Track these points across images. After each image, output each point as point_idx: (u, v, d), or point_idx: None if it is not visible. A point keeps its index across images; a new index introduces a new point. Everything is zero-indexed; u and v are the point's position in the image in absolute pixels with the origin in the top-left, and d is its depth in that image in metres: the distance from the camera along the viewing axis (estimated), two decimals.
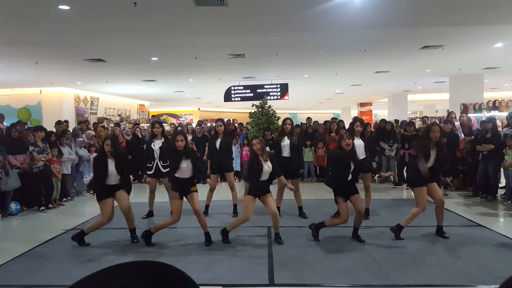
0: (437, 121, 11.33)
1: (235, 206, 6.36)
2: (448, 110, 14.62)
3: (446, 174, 7.75)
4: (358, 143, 5.67)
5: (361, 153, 5.75)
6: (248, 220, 4.84)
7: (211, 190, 6.36)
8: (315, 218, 5.95)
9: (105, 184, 4.89)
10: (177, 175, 4.77)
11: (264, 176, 4.84)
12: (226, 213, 6.44)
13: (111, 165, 4.89)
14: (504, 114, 10.57)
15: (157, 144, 6.14)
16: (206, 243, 4.86)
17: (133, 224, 5.10)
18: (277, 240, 4.87)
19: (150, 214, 6.40)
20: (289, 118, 6.28)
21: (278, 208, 6.12)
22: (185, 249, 4.71)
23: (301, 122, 12.03)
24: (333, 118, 11.09)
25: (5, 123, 9.42)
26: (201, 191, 6.83)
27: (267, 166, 4.82)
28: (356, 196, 4.77)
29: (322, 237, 5.01)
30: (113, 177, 4.88)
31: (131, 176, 5.36)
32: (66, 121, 9.48)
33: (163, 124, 6.90)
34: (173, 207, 4.79)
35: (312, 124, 10.86)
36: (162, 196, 6.48)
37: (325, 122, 10.74)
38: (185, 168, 4.76)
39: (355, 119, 6.16)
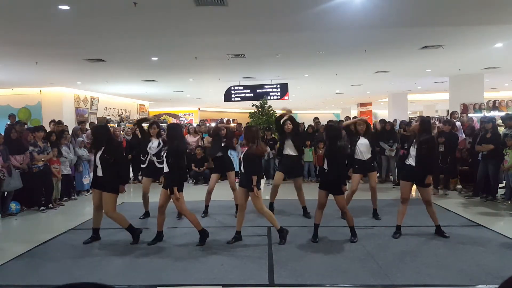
0: (437, 121, 11.34)
1: (237, 206, 6.35)
2: (448, 110, 14.64)
3: (441, 172, 7.77)
4: (363, 141, 5.79)
5: (365, 152, 5.81)
6: (241, 207, 4.93)
7: (209, 192, 6.35)
8: None
9: (95, 174, 5.04)
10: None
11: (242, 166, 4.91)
12: (225, 213, 6.43)
13: (97, 156, 4.99)
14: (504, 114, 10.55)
15: (155, 141, 6.15)
16: (151, 241, 4.95)
17: (125, 224, 5.03)
18: (281, 240, 4.84)
19: (146, 214, 6.40)
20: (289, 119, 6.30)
21: (272, 203, 6.14)
22: (185, 249, 4.70)
23: (300, 123, 12.03)
24: (340, 121, 11.09)
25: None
26: (200, 192, 6.87)
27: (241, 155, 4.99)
28: (335, 197, 4.83)
29: (322, 237, 5.01)
30: (98, 167, 4.97)
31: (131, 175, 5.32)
32: (59, 121, 9.36)
33: (162, 125, 6.90)
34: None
35: (314, 124, 10.87)
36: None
37: (328, 122, 10.77)
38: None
39: (357, 119, 6.23)
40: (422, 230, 5.26)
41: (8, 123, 10.01)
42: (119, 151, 5.51)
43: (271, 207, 6.12)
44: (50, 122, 9.25)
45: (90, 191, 8.61)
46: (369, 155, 5.88)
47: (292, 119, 6.17)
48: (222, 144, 6.30)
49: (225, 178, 6.64)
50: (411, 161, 4.95)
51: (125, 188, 5.08)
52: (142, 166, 6.26)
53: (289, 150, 6.07)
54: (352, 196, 5.96)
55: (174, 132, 4.92)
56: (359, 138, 5.87)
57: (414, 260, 4.21)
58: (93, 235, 5.13)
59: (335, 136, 4.86)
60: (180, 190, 4.80)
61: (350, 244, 4.76)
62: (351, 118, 11.14)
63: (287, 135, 6.10)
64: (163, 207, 4.89)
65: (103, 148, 4.96)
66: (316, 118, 11.29)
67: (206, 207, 6.41)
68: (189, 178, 10.13)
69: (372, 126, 11.86)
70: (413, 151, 4.92)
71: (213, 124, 11.91)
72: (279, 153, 6.40)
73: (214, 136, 6.46)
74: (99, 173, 4.95)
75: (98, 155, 4.98)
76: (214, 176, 6.34)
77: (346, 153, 5.17)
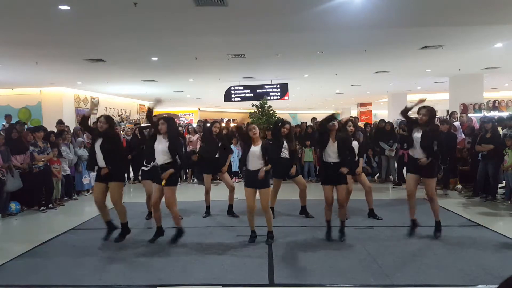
0: (436, 121, 11.32)
1: (230, 206, 6.35)
2: (447, 110, 14.64)
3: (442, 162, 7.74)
4: (354, 143, 5.74)
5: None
6: (251, 208, 4.84)
7: (207, 191, 6.36)
8: (318, 218, 5.96)
9: (98, 166, 4.96)
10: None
11: (252, 163, 4.80)
12: (226, 214, 6.42)
13: (98, 143, 4.91)
14: (505, 114, 10.56)
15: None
16: (152, 237, 4.98)
17: (124, 219, 5.06)
18: (267, 240, 4.85)
19: (150, 214, 6.39)
20: (288, 122, 6.30)
21: (272, 208, 6.13)
22: (185, 249, 4.70)
23: (301, 122, 12.05)
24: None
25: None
26: (200, 192, 6.87)
27: (255, 149, 4.78)
28: (338, 187, 4.82)
29: (322, 237, 5.01)
30: (100, 158, 4.88)
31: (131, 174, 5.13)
32: (60, 121, 9.34)
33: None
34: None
35: (313, 123, 10.85)
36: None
37: None
38: (160, 150, 4.76)
39: (348, 120, 6.14)
40: (422, 230, 5.25)
41: (4, 123, 9.99)
42: (118, 140, 5.28)
43: (272, 211, 6.10)
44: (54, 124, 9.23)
45: (90, 191, 8.62)
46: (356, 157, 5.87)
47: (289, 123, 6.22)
48: (219, 144, 6.28)
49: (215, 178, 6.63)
50: (415, 153, 4.89)
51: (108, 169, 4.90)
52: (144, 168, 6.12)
53: (284, 153, 6.05)
54: (349, 196, 5.94)
55: (174, 124, 4.99)
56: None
57: (414, 260, 4.21)
58: (109, 228, 5.11)
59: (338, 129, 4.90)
60: (175, 183, 4.82)
61: (350, 244, 4.76)
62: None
63: (283, 138, 6.08)
64: (157, 204, 4.92)
65: (102, 137, 4.90)
66: (314, 119, 11.28)
67: (208, 207, 6.42)
68: (191, 179, 10.21)
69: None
70: (417, 143, 4.87)
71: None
72: (274, 158, 6.29)
73: (207, 137, 6.42)
74: (101, 163, 4.88)
75: (98, 144, 4.89)
76: (207, 176, 6.36)
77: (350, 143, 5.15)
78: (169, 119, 4.95)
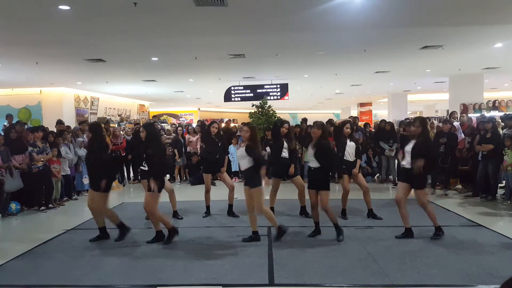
0: (436, 121, 11.34)
1: (230, 206, 6.35)
2: (447, 110, 14.65)
3: (441, 173, 7.78)
4: (350, 144, 5.78)
5: (352, 154, 5.82)
6: (247, 206, 4.96)
7: (207, 191, 6.36)
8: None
9: None
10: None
11: (241, 162, 4.94)
12: (226, 214, 6.42)
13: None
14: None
15: None
16: (151, 240, 4.97)
17: (115, 221, 5.15)
18: (275, 237, 4.89)
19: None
20: (286, 122, 6.29)
21: (272, 208, 6.11)
22: (185, 249, 4.70)
23: (301, 122, 12.03)
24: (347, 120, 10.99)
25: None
26: (200, 192, 6.87)
27: (240, 151, 4.92)
28: (320, 192, 4.90)
29: (322, 237, 5.01)
30: None
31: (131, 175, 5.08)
32: (60, 121, 9.32)
33: (163, 124, 6.84)
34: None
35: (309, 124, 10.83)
36: (165, 196, 6.46)
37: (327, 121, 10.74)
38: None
39: (345, 121, 6.12)
40: (422, 230, 5.25)
41: (5, 123, 9.98)
42: (99, 151, 5.15)
43: (272, 211, 6.08)
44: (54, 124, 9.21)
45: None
46: (354, 158, 5.86)
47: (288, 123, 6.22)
48: (219, 144, 6.28)
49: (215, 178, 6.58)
50: (406, 163, 4.88)
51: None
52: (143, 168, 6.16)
53: (284, 153, 6.04)
54: (347, 196, 5.95)
55: (153, 131, 5.05)
56: (347, 140, 5.81)
57: (414, 260, 4.21)
58: (100, 234, 5.16)
59: (323, 133, 4.95)
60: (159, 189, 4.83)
61: (350, 244, 4.76)
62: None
63: (282, 137, 6.07)
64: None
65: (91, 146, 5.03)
66: (305, 119, 11.20)
67: (207, 207, 6.42)
68: (185, 180, 10.23)
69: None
70: (408, 154, 4.88)
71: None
72: (274, 158, 6.20)
73: (206, 137, 6.40)
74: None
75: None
76: (207, 176, 6.35)
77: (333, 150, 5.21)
78: (147, 126, 5.01)
